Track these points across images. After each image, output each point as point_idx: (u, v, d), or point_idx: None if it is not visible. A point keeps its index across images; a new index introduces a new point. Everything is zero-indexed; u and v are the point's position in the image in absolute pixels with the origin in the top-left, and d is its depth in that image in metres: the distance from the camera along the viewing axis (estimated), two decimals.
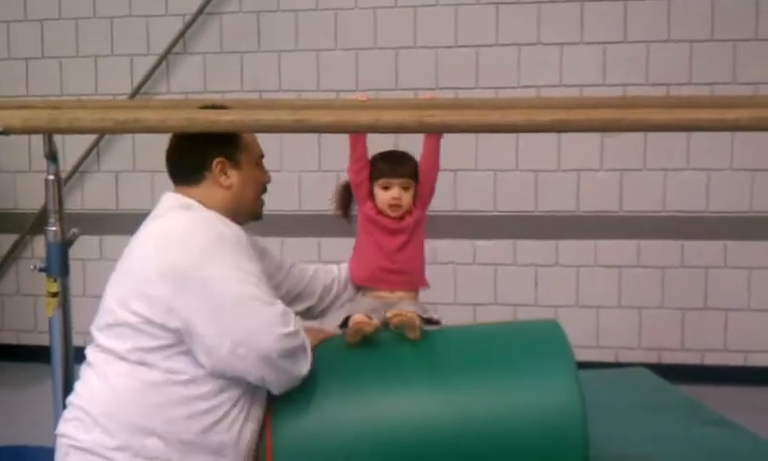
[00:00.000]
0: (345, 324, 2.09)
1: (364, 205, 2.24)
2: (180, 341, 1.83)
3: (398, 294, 2.18)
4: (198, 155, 2.00)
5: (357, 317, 2.05)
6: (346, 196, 2.32)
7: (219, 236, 1.88)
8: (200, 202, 1.99)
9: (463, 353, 2.01)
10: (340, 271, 2.36)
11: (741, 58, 4.00)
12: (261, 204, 2.14)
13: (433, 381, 1.94)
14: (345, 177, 2.29)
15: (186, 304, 1.81)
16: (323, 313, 2.35)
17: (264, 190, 2.14)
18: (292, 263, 2.32)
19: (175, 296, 1.81)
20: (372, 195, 2.23)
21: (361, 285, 2.27)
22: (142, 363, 1.84)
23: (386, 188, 2.21)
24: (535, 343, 2.03)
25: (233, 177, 2.02)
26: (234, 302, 1.82)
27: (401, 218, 2.21)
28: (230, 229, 1.94)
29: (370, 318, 2.05)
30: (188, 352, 1.84)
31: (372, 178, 2.23)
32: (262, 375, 1.84)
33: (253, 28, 4.32)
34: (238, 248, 1.89)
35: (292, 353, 1.85)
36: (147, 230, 1.97)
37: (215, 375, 1.84)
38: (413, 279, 2.22)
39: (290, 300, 2.24)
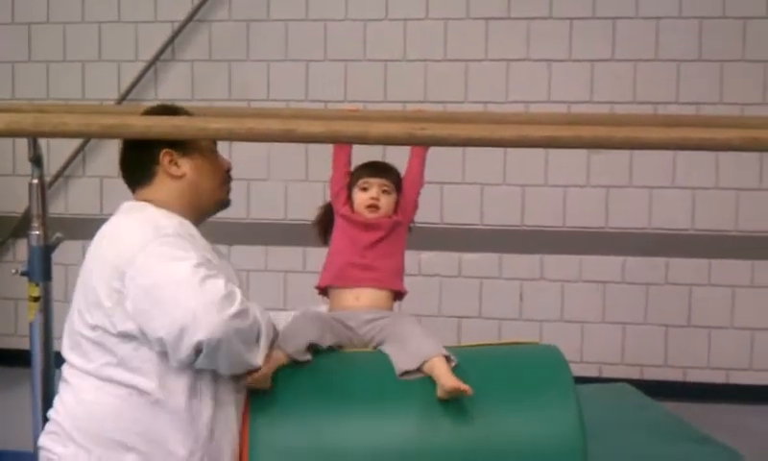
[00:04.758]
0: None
1: (341, 209, 2.20)
2: (144, 348, 1.79)
3: (365, 296, 2.09)
4: (145, 152, 1.98)
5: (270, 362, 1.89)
6: (326, 217, 2.28)
7: (155, 228, 1.85)
8: (155, 201, 1.96)
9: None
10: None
11: (728, 78, 4.03)
12: (227, 190, 2.09)
13: (428, 414, 1.87)
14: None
15: (130, 301, 1.78)
16: None
17: (229, 178, 2.09)
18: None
19: (119, 295, 1.79)
20: (350, 201, 2.20)
21: (326, 287, 2.17)
22: (110, 379, 1.81)
23: (364, 189, 2.17)
24: (538, 383, 1.98)
25: (184, 165, 1.99)
26: (171, 289, 1.75)
27: (378, 218, 2.16)
28: (171, 220, 1.90)
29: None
30: (154, 364, 1.79)
31: (352, 183, 2.20)
32: (213, 359, 1.75)
33: (243, 36, 4.31)
34: (177, 237, 1.84)
35: (239, 333, 1.77)
36: (94, 241, 1.94)
37: (183, 379, 1.79)
38: (381, 277, 2.12)
39: None
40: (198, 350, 1.74)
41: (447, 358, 1.89)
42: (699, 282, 4.13)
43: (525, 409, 1.92)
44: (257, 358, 1.84)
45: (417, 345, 1.92)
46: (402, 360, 1.91)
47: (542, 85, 4.14)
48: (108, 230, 1.93)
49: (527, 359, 2.09)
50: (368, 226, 2.15)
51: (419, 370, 1.88)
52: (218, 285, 1.77)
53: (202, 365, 1.78)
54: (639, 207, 4.14)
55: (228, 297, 1.77)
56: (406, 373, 1.89)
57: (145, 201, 1.98)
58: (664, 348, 4.18)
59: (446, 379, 1.82)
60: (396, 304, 2.21)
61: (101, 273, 1.83)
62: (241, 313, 1.78)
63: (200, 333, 1.72)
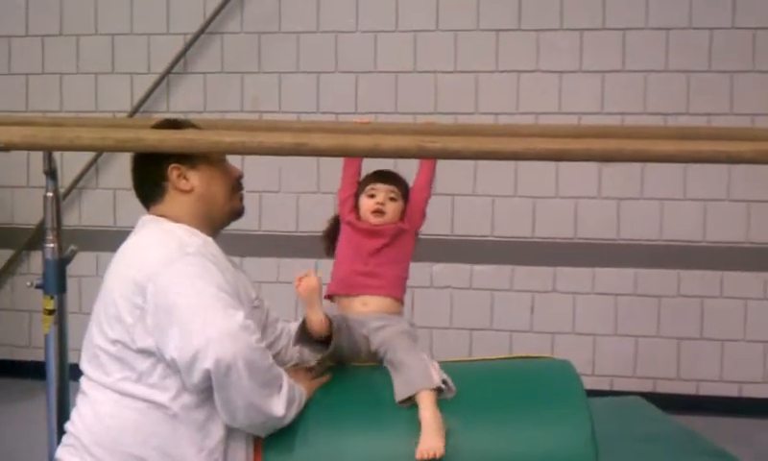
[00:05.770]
0: (302, 335, 2.03)
1: (347, 216, 2.20)
2: (162, 364, 1.79)
3: (373, 302, 2.09)
4: (153, 168, 1.98)
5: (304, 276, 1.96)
6: (334, 230, 2.27)
7: (179, 247, 1.85)
8: (169, 215, 1.96)
9: (471, 405, 1.93)
10: None
11: (738, 89, 4.02)
12: (239, 199, 2.08)
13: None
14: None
15: (150, 319, 1.78)
16: None
17: (240, 187, 2.09)
18: (276, 317, 2.18)
19: (140, 312, 1.79)
20: (356, 209, 2.19)
21: (333, 295, 2.17)
22: (129, 393, 1.82)
23: (371, 195, 2.17)
24: (550, 397, 1.98)
25: (193, 179, 1.98)
26: (190, 312, 1.74)
27: (383, 224, 2.16)
28: (195, 238, 1.90)
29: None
30: (172, 380, 1.80)
31: (360, 190, 2.20)
32: (227, 395, 1.74)
33: (255, 49, 4.34)
34: (199, 258, 1.84)
35: (254, 369, 1.74)
36: (116, 256, 1.94)
37: (199, 397, 1.80)
38: (384, 285, 2.12)
39: None
40: (208, 377, 1.73)
41: (440, 390, 1.91)
42: (711, 295, 4.11)
43: (538, 424, 1.91)
44: (278, 406, 1.81)
45: (410, 374, 1.94)
46: (398, 389, 1.93)
47: (553, 97, 4.14)
48: (131, 246, 1.93)
49: (539, 374, 2.09)
50: (372, 232, 2.15)
51: (410, 399, 1.90)
52: (237, 316, 1.76)
53: (218, 402, 1.76)
54: (651, 219, 4.12)
55: (246, 329, 1.76)
56: (402, 401, 1.91)
57: (160, 215, 1.99)
58: (677, 361, 4.15)
59: (423, 440, 1.81)
60: (405, 310, 2.20)
61: (123, 289, 1.82)
62: (257, 348, 1.77)
63: (210, 360, 1.71)
